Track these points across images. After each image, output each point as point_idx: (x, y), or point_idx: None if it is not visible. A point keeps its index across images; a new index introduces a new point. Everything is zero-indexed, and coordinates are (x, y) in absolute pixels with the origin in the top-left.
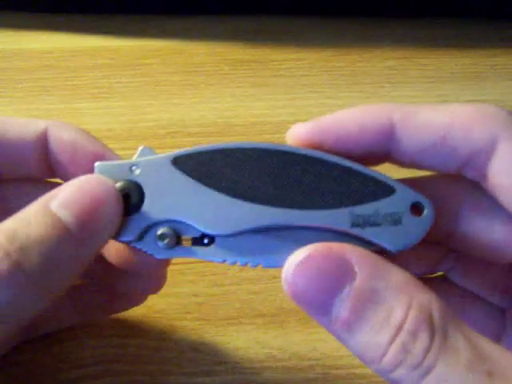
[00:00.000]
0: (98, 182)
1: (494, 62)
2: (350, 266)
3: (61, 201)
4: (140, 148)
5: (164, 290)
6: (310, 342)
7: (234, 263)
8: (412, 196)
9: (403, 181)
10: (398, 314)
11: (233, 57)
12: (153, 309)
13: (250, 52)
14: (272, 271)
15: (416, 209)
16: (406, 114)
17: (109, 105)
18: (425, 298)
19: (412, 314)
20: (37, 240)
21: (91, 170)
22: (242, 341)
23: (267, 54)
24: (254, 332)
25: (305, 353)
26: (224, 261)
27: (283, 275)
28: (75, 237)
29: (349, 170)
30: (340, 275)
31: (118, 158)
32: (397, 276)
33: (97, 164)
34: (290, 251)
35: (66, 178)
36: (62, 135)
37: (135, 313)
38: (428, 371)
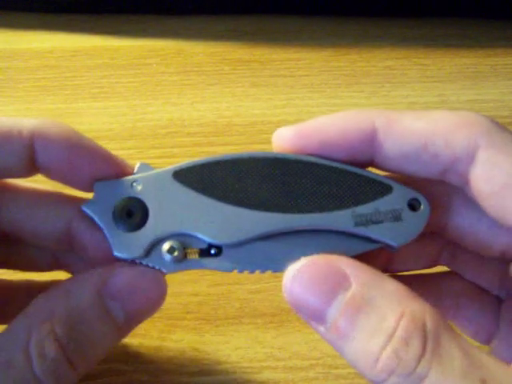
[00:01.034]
0: (153, 279)
1: (494, 62)
2: (344, 276)
3: (114, 293)
4: (137, 164)
5: None
6: (310, 341)
7: (243, 271)
8: (408, 193)
9: (397, 178)
10: (390, 322)
11: (233, 57)
12: None
13: (249, 52)
14: None
15: (413, 204)
16: (389, 120)
17: (109, 105)
18: (418, 307)
19: (404, 321)
20: (89, 340)
21: (86, 169)
22: (242, 340)
23: (267, 54)
24: (254, 331)
25: (305, 352)
26: (233, 270)
27: (283, 283)
28: (121, 329)
29: (345, 173)
30: (335, 284)
31: (109, 153)
32: (391, 286)
33: (96, 183)
34: (297, 256)
35: (55, 177)
36: (54, 136)
37: None
38: (421, 379)
